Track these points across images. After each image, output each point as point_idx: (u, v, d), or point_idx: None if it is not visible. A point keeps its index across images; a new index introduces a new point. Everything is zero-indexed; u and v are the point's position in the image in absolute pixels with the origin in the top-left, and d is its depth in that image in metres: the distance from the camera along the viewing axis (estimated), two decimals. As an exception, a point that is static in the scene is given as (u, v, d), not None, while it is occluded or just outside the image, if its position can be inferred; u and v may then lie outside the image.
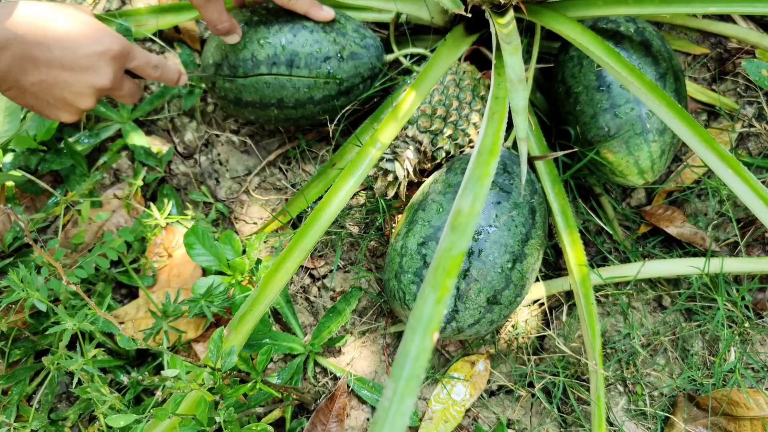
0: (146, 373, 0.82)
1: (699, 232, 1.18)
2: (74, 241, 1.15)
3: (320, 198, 1.17)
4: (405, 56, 1.25)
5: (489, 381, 1.12)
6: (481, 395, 1.11)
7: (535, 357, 1.12)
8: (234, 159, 1.31)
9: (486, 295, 0.94)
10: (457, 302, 0.94)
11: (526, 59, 1.20)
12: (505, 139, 1.13)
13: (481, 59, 1.21)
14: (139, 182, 1.23)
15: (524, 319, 1.15)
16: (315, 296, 1.18)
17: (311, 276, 1.21)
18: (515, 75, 0.88)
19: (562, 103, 1.15)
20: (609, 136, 1.07)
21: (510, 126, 0.86)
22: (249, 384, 0.87)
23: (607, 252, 1.20)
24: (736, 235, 1.19)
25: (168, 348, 1.08)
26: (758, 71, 1.07)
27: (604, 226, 1.20)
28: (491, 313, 0.96)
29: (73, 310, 1.06)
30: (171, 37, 1.38)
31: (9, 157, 1.22)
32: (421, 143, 1.07)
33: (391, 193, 1.07)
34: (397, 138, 1.07)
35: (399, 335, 1.16)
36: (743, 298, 1.12)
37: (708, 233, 1.19)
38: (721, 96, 1.27)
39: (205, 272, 1.18)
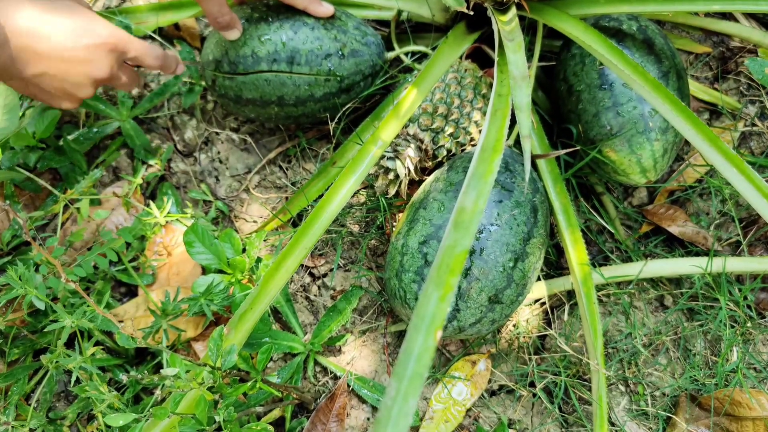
0: (145, 372, 0.81)
1: (701, 232, 1.18)
2: (73, 239, 1.14)
3: (321, 196, 1.16)
4: (406, 54, 1.24)
5: (490, 380, 1.11)
6: (482, 395, 1.10)
7: (536, 356, 1.12)
8: (234, 157, 1.30)
9: (487, 294, 0.94)
10: (459, 301, 0.94)
11: (528, 57, 1.19)
12: (507, 138, 1.13)
13: (482, 57, 1.21)
14: (139, 180, 1.22)
15: (525, 318, 1.14)
16: (315, 295, 1.18)
17: (311, 275, 1.20)
18: (518, 72, 0.87)
19: (564, 102, 1.15)
20: (611, 135, 1.07)
21: (511, 124, 0.86)
22: (249, 383, 0.87)
23: (609, 251, 1.20)
24: (738, 235, 1.18)
25: (167, 347, 1.08)
26: (761, 70, 1.07)
27: (605, 225, 1.19)
28: (493, 312, 0.96)
29: (72, 308, 1.06)
30: (171, 35, 1.37)
31: (8, 155, 1.21)
32: (422, 141, 1.06)
33: (392, 191, 1.07)
34: (398, 136, 1.06)
35: (399, 334, 1.15)
36: (745, 298, 1.12)
37: (710, 232, 1.18)
38: (723, 95, 1.27)
39: (205, 271, 1.18)
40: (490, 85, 1.16)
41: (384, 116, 1.00)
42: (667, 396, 1.09)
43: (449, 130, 1.07)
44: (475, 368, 1.10)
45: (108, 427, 0.99)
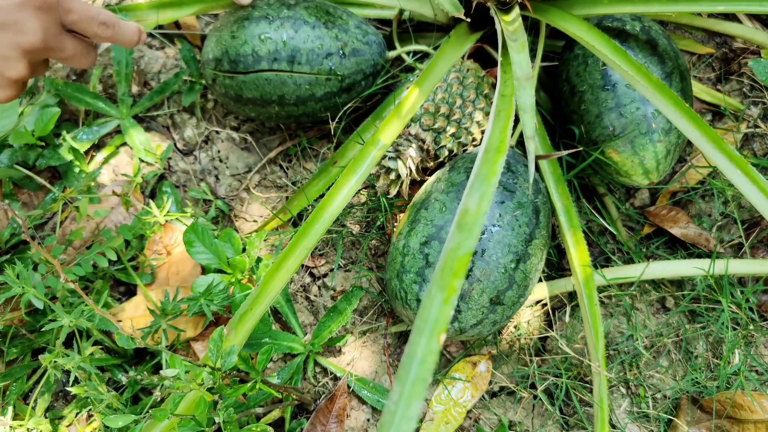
0: (144, 372, 0.80)
1: (703, 233, 1.17)
2: (72, 238, 1.13)
3: (321, 196, 1.16)
4: (408, 53, 1.24)
5: (491, 382, 1.11)
6: (483, 396, 1.10)
7: (537, 358, 1.11)
8: (234, 156, 1.29)
9: (489, 295, 0.93)
10: (460, 302, 0.93)
11: (531, 57, 1.18)
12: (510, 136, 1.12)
13: (484, 57, 1.20)
14: (138, 179, 1.22)
15: (527, 319, 1.14)
16: (315, 295, 1.17)
17: (312, 275, 1.19)
18: (522, 72, 0.87)
19: (567, 102, 1.14)
20: (614, 136, 1.06)
21: (514, 124, 0.85)
22: (248, 384, 0.86)
23: (611, 253, 1.19)
24: (740, 237, 1.18)
25: (167, 347, 1.07)
26: (765, 71, 1.06)
27: (607, 227, 1.19)
28: (494, 313, 0.95)
29: (71, 307, 1.05)
30: (172, 33, 1.36)
31: (7, 152, 1.20)
32: (424, 141, 1.06)
33: (393, 191, 1.06)
34: (399, 136, 1.05)
35: (400, 335, 1.15)
36: (748, 300, 1.11)
37: (712, 234, 1.18)
38: (726, 96, 1.26)
39: (205, 270, 1.17)
40: (493, 85, 1.15)
41: (385, 116, 0.99)
42: (669, 398, 1.08)
43: (451, 130, 1.07)
44: (475, 369, 1.10)
45: (107, 427, 0.99)
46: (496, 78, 0.94)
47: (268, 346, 0.92)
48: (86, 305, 0.98)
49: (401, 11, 1.21)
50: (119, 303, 1.16)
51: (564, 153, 1.03)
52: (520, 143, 1.18)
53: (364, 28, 1.15)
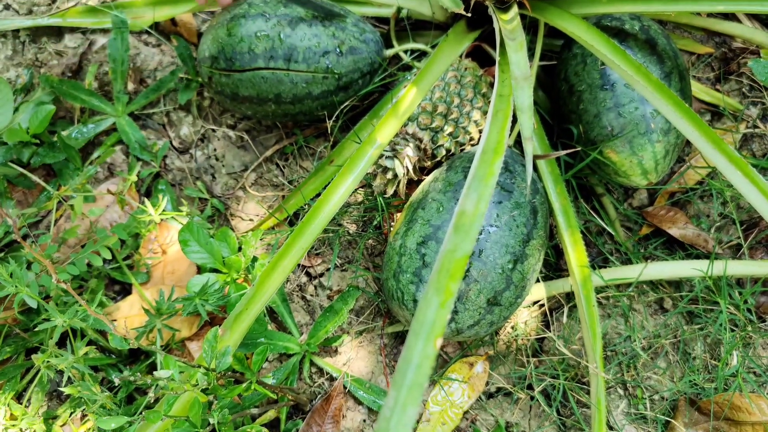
0: (138, 373, 0.80)
1: (702, 234, 1.16)
2: (66, 236, 1.13)
3: (318, 195, 1.15)
4: (405, 52, 1.23)
5: (488, 383, 1.10)
6: (480, 397, 1.09)
7: (534, 359, 1.10)
8: (230, 154, 1.28)
9: (486, 296, 0.93)
10: (457, 303, 0.92)
11: (529, 57, 1.17)
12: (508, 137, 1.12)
13: (482, 56, 1.19)
14: (134, 177, 1.21)
15: (524, 320, 1.13)
16: (312, 295, 1.17)
17: (308, 274, 1.19)
18: (520, 72, 0.86)
19: (565, 102, 1.13)
20: (612, 136, 1.06)
21: (512, 123, 0.84)
22: (244, 385, 0.85)
23: (609, 253, 1.19)
24: (739, 238, 1.17)
25: (161, 346, 1.06)
26: (764, 71, 1.05)
27: (605, 227, 1.18)
28: (491, 314, 0.95)
29: (65, 306, 1.04)
30: (168, 30, 1.35)
31: (1, 150, 1.19)
32: (421, 140, 1.05)
33: (390, 191, 1.05)
34: (397, 135, 1.05)
35: (397, 335, 1.14)
36: (746, 302, 1.11)
37: (711, 235, 1.17)
38: (725, 96, 1.26)
39: (200, 269, 1.16)
40: (491, 84, 1.14)
41: (383, 115, 0.99)
42: (666, 400, 1.08)
43: (449, 129, 1.06)
44: (472, 370, 1.09)
45: (101, 428, 0.98)
46: (494, 77, 0.93)
47: (264, 347, 0.91)
48: (80, 304, 0.97)
49: (399, 9, 1.21)
50: (114, 302, 1.15)
51: (562, 153, 1.03)
52: (519, 142, 1.17)
53: (361, 26, 1.14)
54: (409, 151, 1.03)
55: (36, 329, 1.07)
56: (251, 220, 1.23)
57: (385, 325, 1.14)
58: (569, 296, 1.14)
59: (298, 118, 1.17)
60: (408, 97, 0.96)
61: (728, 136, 1.23)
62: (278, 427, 1.06)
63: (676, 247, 1.19)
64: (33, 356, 0.98)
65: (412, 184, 1.14)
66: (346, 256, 1.19)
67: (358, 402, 1.09)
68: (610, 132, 1.06)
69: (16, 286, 0.94)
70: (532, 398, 1.09)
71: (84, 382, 0.98)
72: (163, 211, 1.18)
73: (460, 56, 1.13)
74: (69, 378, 1.04)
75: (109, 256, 1.08)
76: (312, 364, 1.11)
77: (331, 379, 1.10)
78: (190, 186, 1.26)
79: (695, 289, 1.11)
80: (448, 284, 0.56)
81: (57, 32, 1.34)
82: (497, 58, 0.94)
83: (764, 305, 1.13)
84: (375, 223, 1.17)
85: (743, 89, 1.27)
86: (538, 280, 1.13)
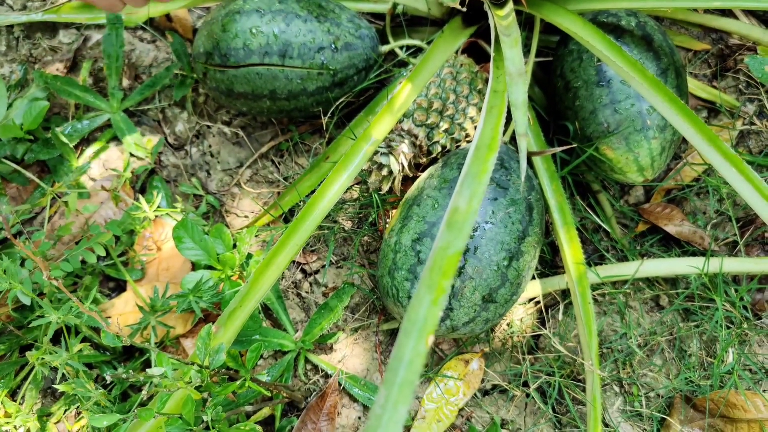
0: (131, 371, 0.79)
1: (698, 231, 1.16)
2: (61, 233, 1.12)
3: (313, 192, 1.15)
4: (401, 48, 1.22)
5: (483, 380, 1.10)
6: (475, 394, 1.09)
7: (530, 356, 1.10)
8: (225, 151, 1.28)
9: (481, 293, 0.92)
10: (452, 300, 0.92)
11: (525, 53, 1.18)
12: (503, 134, 1.11)
13: (478, 52, 1.19)
14: (128, 174, 1.20)
15: (519, 317, 1.13)
16: (307, 292, 1.16)
17: (303, 271, 1.18)
18: (515, 68, 0.86)
19: (561, 98, 1.13)
20: (608, 132, 1.05)
21: (507, 119, 0.84)
22: (238, 382, 0.85)
23: (605, 250, 1.18)
24: (735, 235, 1.17)
25: (156, 343, 1.06)
26: (761, 68, 1.05)
27: (601, 224, 1.18)
28: (486, 311, 0.94)
29: (59, 303, 1.04)
30: (163, 26, 1.35)
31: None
32: (416, 137, 1.04)
33: (385, 187, 1.05)
34: (392, 131, 1.04)
35: (392, 332, 1.14)
36: (742, 299, 1.10)
37: (707, 232, 1.17)
38: (721, 93, 1.25)
39: (195, 266, 1.16)
40: (486, 81, 1.14)
41: (378, 111, 0.98)
42: (662, 397, 1.08)
43: (444, 125, 1.06)
44: (468, 367, 1.09)
45: (94, 426, 0.98)
46: (489, 73, 0.93)
47: (258, 344, 0.91)
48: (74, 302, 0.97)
49: (394, 5, 1.20)
50: (109, 299, 1.15)
51: (557, 150, 1.02)
52: (514, 139, 1.17)
53: (356, 22, 1.14)
54: (405, 148, 1.03)
55: (30, 326, 1.07)
56: (246, 216, 1.23)
57: (380, 322, 1.13)
58: (565, 293, 1.14)
59: (293, 114, 1.17)
60: (403, 94, 0.96)
61: (725, 133, 1.23)
62: (273, 424, 1.06)
63: (672, 244, 1.19)
64: (27, 353, 0.97)
65: (407, 181, 1.13)
66: (342, 252, 1.19)
67: (353, 399, 1.09)
68: (606, 128, 1.05)
69: (9, 283, 0.94)
70: (527, 395, 1.09)
71: (78, 379, 0.98)
72: (158, 207, 1.17)
73: (456, 52, 1.13)
74: (63, 375, 1.04)
75: (103, 253, 1.08)
76: (307, 361, 1.11)
77: (326, 376, 1.10)
78: (185, 182, 1.25)
79: (691, 287, 1.11)
80: (440, 281, 0.56)
81: (51, 28, 1.34)
82: (492, 54, 0.94)
83: (760, 302, 1.13)
84: (370, 219, 1.16)
85: (740, 86, 1.27)
86: (533, 277, 1.12)
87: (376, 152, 1.03)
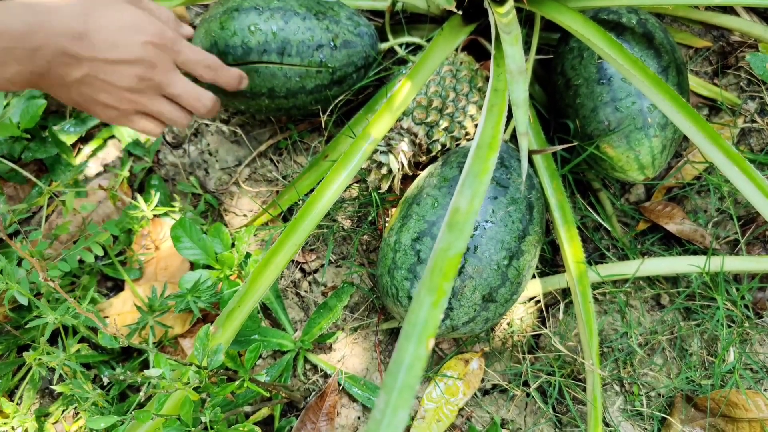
0: (128, 372, 0.79)
1: (699, 230, 1.16)
2: (58, 232, 1.11)
3: (312, 190, 1.14)
4: (400, 45, 1.22)
5: (483, 380, 1.09)
6: (475, 394, 1.08)
7: (530, 355, 1.10)
8: (224, 149, 1.27)
9: (481, 292, 0.92)
10: (452, 299, 0.92)
11: (525, 50, 1.17)
12: (503, 133, 1.11)
13: (479, 50, 1.18)
14: (126, 172, 1.20)
15: (520, 316, 1.12)
16: (306, 291, 1.16)
17: (302, 270, 1.18)
18: (515, 66, 0.85)
19: (562, 96, 1.12)
20: (609, 131, 1.05)
21: (508, 118, 0.83)
22: (236, 382, 0.85)
23: (605, 249, 1.18)
24: (736, 233, 1.16)
25: (154, 343, 1.05)
26: (763, 65, 1.04)
27: (602, 223, 1.17)
28: (486, 311, 0.94)
29: (57, 303, 1.03)
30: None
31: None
32: (416, 135, 1.04)
33: (384, 186, 1.04)
34: (391, 130, 1.04)
35: (391, 332, 1.13)
36: (743, 298, 1.10)
37: (708, 230, 1.16)
38: (723, 90, 1.25)
39: (193, 266, 1.15)
40: (486, 78, 1.13)
41: (377, 109, 0.98)
42: (663, 396, 1.07)
43: (444, 124, 1.05)
44: (468, 367, 1.09)
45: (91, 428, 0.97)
46: (490, 71, 0.92)
47: (257, 344, 0.90)
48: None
49: (394, 2, 1.19)
50: (107, 298, 1.14)
51: (558, 148, 1.02)
52: (515, 137, 1.16)
53: (355, 19, 1.13)
54: (404, 146, 1.02)
55: (27, 326, 1.06)
56: (245, 215, 1.22)
57: (380, 322, 1.13)
58: (565, 292, 1.13)
59: (291, 112, 1.16)
60: (403, 92, 0.95)
61: (726, 130, 1.22)
62: (272, 424, 1.05)
63: (673, 243, 1.18)
64: (24, 353, 0.97)
65: (406, 180, 1.13)
66: (341, 252, 1.18)
67: (353, 399, 1.08)
68: (606, 127, 1.05)
69: (6, 283, 0.93)
70: (527, 395, 1.09)
71: (76, 379, 0.97)
72: (156, 206, 1.17)
73: (456, 50, 1.12)
74: (61, 375, 1.03)
75: (101, 253, 1.07)
76: (306, 361, 1.10)
77: (326, 376, 1.09)
78: (183, 181, 1.25)
79: (692, 285, 1.10)
80: (441, 283, 0.55)
81: (48, 25, 1.33)
82: (492, 52, 0.93)
83: (761, 301, 1.12)
84: (370, 218, 1.16)
85: (741, 83, 1.26)
86: (534, 276, 1.12)
87: (375, 151, 1.02)
